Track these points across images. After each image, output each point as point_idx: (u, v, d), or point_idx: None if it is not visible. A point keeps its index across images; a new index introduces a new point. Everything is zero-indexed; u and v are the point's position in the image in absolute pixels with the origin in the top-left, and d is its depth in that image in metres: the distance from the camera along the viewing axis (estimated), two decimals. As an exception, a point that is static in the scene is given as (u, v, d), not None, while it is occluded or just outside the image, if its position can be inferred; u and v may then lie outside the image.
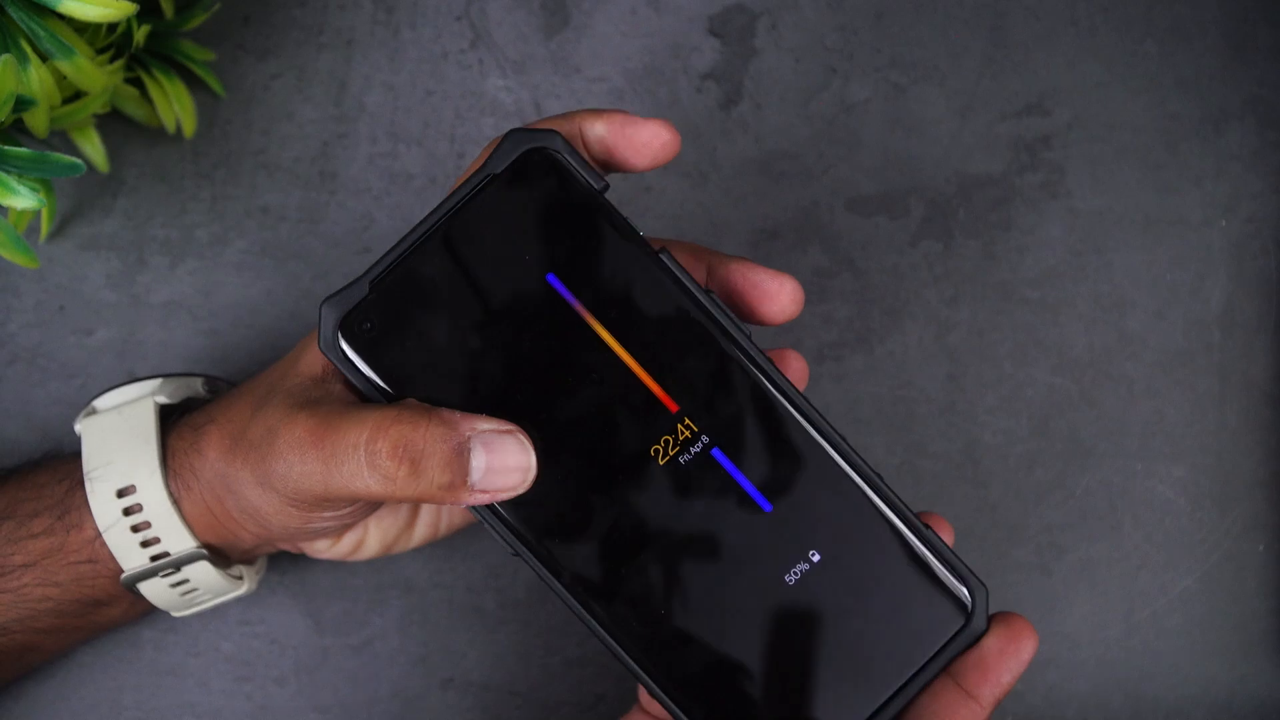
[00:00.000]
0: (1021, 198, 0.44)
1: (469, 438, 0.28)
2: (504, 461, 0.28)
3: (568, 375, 0.29)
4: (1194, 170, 0.44)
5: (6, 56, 0.32)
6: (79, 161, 0.33)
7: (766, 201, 0.44)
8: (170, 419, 0.36)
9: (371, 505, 0.34)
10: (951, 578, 0.29)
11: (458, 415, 0.28)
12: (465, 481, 0.28)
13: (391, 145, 0.44)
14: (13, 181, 0.33)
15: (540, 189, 0.29)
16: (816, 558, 0.29)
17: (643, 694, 0.34)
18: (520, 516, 0.29)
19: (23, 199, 0.33)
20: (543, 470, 0.29)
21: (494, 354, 0.29)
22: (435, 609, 0.43)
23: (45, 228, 0.42)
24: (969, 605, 0.29)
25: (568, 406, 0.29)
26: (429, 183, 0.44)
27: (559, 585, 0.29)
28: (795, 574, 0.29)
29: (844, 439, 0.29)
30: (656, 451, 0.29)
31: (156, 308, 0.43)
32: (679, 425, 0.29)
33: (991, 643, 0.29)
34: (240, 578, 0.37)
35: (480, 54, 0.44)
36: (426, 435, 0.28)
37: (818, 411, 0.29)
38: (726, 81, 0.45)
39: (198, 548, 0.35)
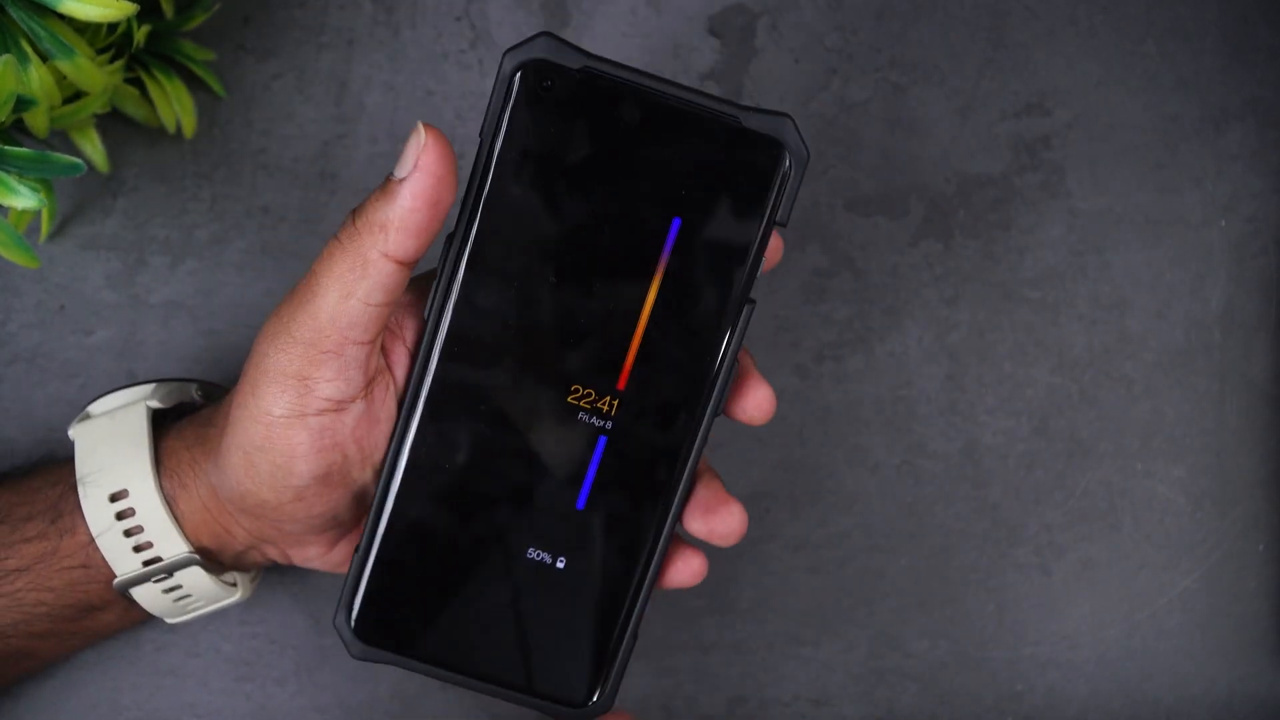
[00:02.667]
0: (1021, 198, 0.44)
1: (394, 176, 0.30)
2: (410, 149, 0.29)
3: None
4: (1194, 170, 0.44)
5: (7, 57, 0.32)
6: (79, 161, 0.33)
7: (766, 201, 0.44)
8: (167, 422, 0.36)
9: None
10: None
11: None
12: (395, 182, 0.29)
13: (391, 145, 0.44)
14: (13, 181, 0.33)
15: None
16: (562, 563, 0.32)
17: None
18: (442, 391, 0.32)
19: (23, 199, 0.33)
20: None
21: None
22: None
23: (46, 228, 0.42)
24: None
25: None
26: (429, 183, 0.44)
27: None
28: (541, 557, 0.32)
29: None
30: (575, 395, 0.31)
31: (156, 308, 0.43)
32: (609, 398, 0.31)
33: None
34: (234, 584, 0.37)
35: (480, 54, 0.44)
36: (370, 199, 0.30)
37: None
38: (726, 81, 0.45)
39: (190, 552, 0.35)
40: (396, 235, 0.29)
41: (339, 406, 0.31)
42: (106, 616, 0.37)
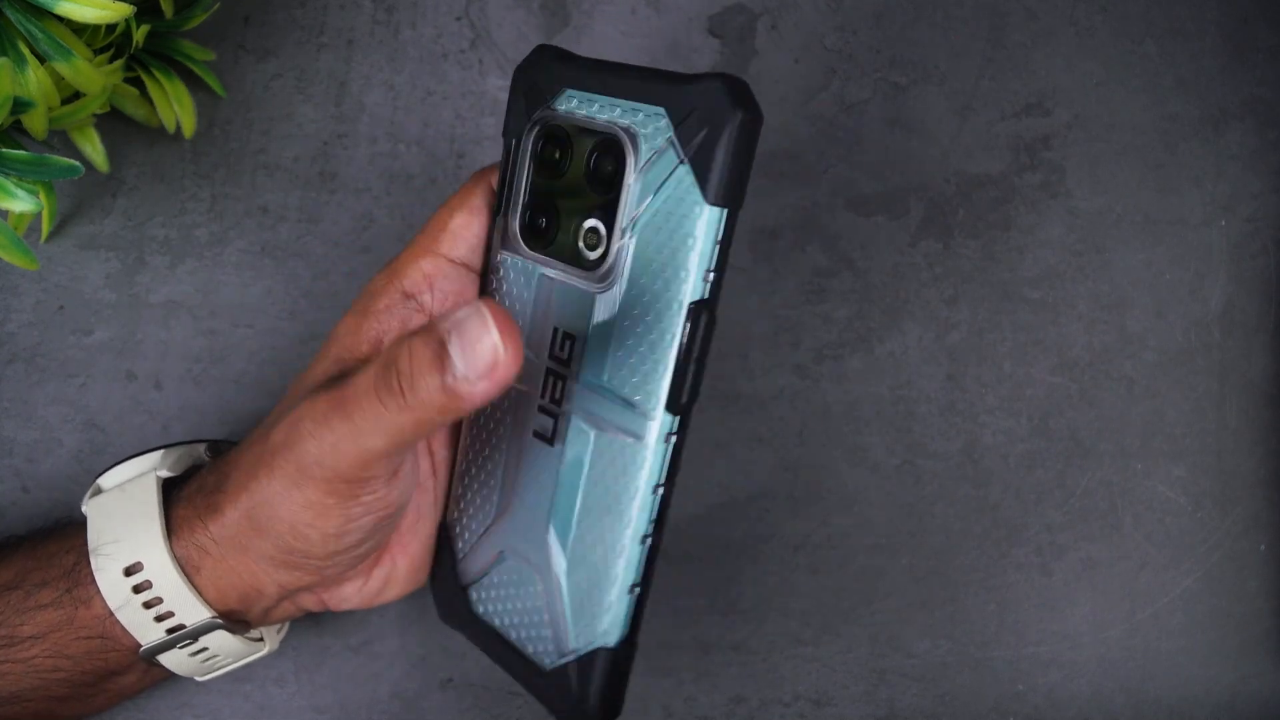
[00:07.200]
0: (1021, 198, 0.44)
1: (446, 331, 0.26)
2: (472, 335, 0.26)
3: None
4: (1194, 170, 0.44)
5: (4, 60, 0.32)
6: (77, 164, 0.33)
7: (766, 201, 0.44)
8: (177, 490, 0.36)
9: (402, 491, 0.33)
10: None
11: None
12: (453, 374, 0.26)
13: (391, 145, 0.44)
14: (11, 185, 0.33)
15: None
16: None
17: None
18: None
19: (21, 202, 0.33)
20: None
21: None
22: (435, 609, 0.43)
23: (46, 228, 0.42)
24: None
25: None
26: (429, 183, 0.44)
27: None
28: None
29: None
30: None
31: (156, 308, 0.43)
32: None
33: None
34: (260, 639, 0.37)
35: (480, 54, 0.44)
36: (409, 350, 0.26)
37: None
38: (726, 81, 0.45)
39: (213, 618, 0.34)
40: (454, 414, 0.27)
41: (387, 483, 0.32)
42: (126, 680, 0.37)
